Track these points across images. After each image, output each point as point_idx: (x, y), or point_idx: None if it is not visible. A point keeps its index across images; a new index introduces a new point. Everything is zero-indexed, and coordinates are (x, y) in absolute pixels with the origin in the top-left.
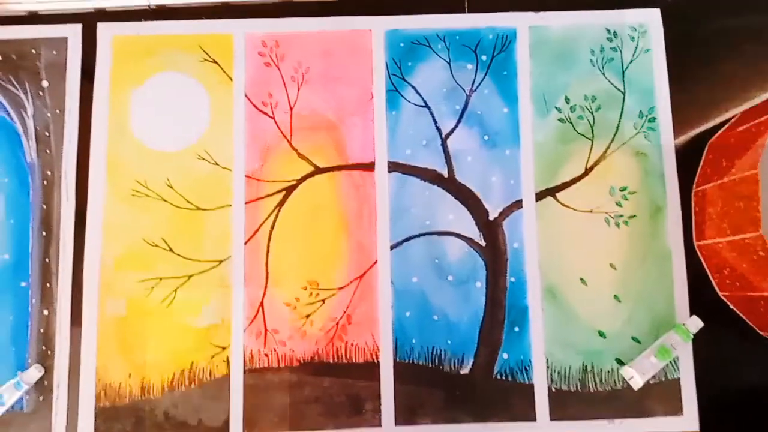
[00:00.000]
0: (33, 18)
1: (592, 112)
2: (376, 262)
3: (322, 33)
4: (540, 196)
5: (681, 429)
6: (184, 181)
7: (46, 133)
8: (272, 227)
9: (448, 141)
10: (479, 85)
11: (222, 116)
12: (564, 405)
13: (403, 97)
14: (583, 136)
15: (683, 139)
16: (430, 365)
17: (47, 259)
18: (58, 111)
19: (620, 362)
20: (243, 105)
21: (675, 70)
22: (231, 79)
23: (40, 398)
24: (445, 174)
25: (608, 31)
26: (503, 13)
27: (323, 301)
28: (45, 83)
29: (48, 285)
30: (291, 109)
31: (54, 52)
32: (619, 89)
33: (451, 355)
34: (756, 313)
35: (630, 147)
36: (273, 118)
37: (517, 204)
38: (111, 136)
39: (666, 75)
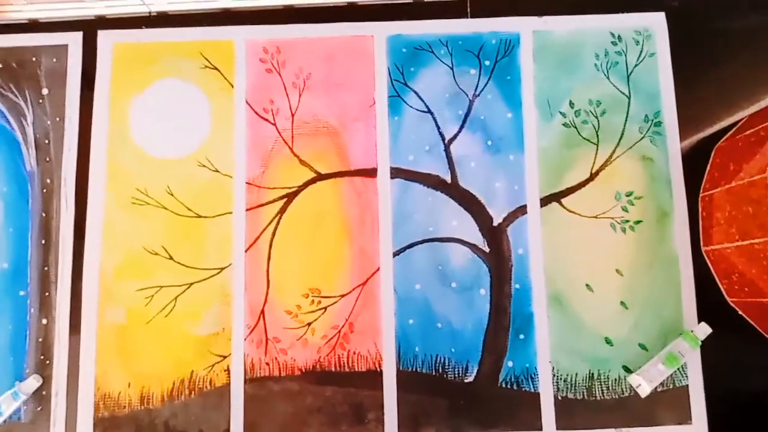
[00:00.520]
0: (33, 26)
1: (597, 117)
2: (378, 269)
3: (323, 39)
4: (545, 201)
5: None
6: (185, 189)
7: (46, 141)
8: (273, 234)
9: (451, 146)
10: (482, 90)
11: (223, 123)
12: (570, 413)
13: (405, 102)
14: (588, 140)
15: (689, 143)
16: (434, 374)
17: (46, 268)
18: (58, 119)
19: (627, 370)
20: (244, 111)
21: (680, 74)
22: (232, 86)
23: (38, 408)
24: (449, 180)
25: (612, 35)
26: (506, 18)
27: (325, 308)
28: (45, 91)
29: (47, 294)
30: (292, 115)
31: (54, 60)
32: (624, 93)
33: (455, 363)
34: (765, 319)
35: (636, 151)
36: (274, 124)
37: (522, 210)
38: (111, 144)
39: (671, 78)
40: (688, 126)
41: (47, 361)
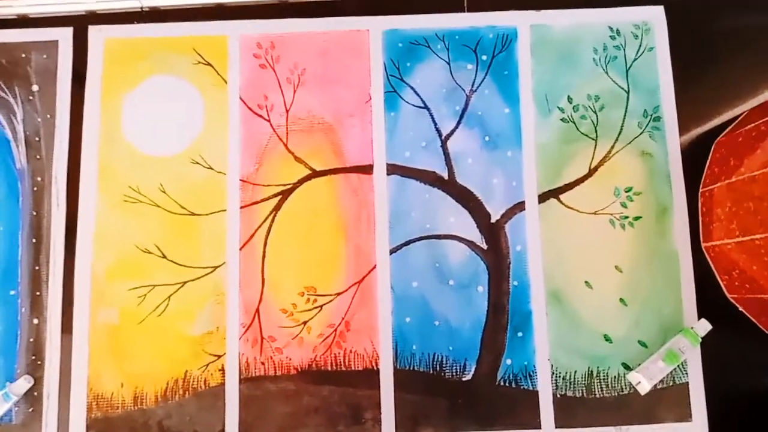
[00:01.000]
0: (23, 21)
1: (595, 112)
2: (375, 267)
3: (318, 34)
4: (543, 197)
5: None
6: (178, 186)
7: (37, 139)
8: (268, 232)
9: (448, 142)
10: (479, 85)
11: (216, 119)
12: (569, 411)
13: (401, 98)
14: (587, 136)
15: (689, 138)
16: (432, 372)
17: (37, 267)
18: (48, 116)
19: (627, 367)
20: (238, 108)
21: (680, 68)
22: (225, 82)
23: (30, 410)
24: (446, 176)
25: (611, 29)
26: (504, 11)
27: (321, 307)
28: (35, 88)
29: (38, 293)
30: (287, 111)
31: (44, 56)
32: (622, 88)
33: (452, 361)
34: (766, 316)
35: (635, 147)
36: (269, 120)
37: (520, 206)
38: (103, 141)
39: (670, 73)
40: (688, 121)
41: (39, 362)
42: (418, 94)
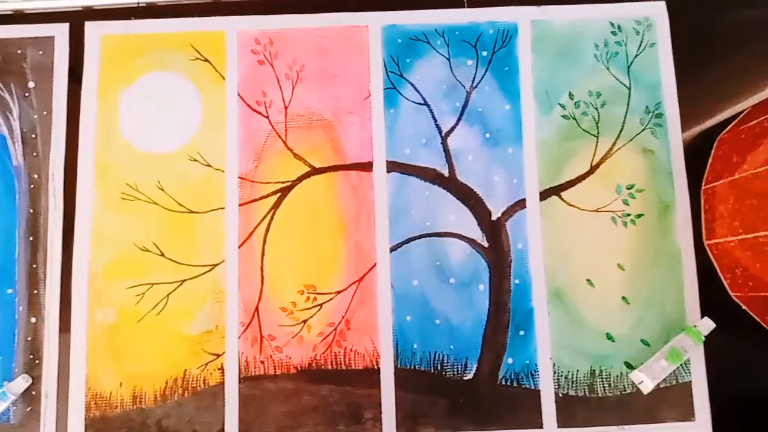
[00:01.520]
0: (19, 17)
1: (597, 108)
2: (375, 265)
3: (317, 29)
4: (544, 195)
5: None
6: (176, 184)
7: (33, 136)
8: (267, 230)
9: (449, 139)
10: (480, 81)
11: (214, 116)
12: (572, 411)
13: (401, 94)
14: (588, 132)
15: (691, 134)
16: (433, 371)
17: (34, 265)
18: (45, 112)
19: (629, 366)
20: (236, 104)
21: (682, 64)
22: (223, 78)
23: (28, 409)
24: (446, 173)
25: (612, 24)
26: (504, 7)
27: (321, 305)
28: (31, 84)
29: (35, 292)
30: (286, 108)
31: (40, 53)
32: (624, 84)
33: (453, 360)
34: None
35: (636, 143)
36: (267, 117)
37: (521, 203)
38: (100, 138)
39: (672, 69)
40: (690, 117)
41: (36, 361)
42: (417, 91)
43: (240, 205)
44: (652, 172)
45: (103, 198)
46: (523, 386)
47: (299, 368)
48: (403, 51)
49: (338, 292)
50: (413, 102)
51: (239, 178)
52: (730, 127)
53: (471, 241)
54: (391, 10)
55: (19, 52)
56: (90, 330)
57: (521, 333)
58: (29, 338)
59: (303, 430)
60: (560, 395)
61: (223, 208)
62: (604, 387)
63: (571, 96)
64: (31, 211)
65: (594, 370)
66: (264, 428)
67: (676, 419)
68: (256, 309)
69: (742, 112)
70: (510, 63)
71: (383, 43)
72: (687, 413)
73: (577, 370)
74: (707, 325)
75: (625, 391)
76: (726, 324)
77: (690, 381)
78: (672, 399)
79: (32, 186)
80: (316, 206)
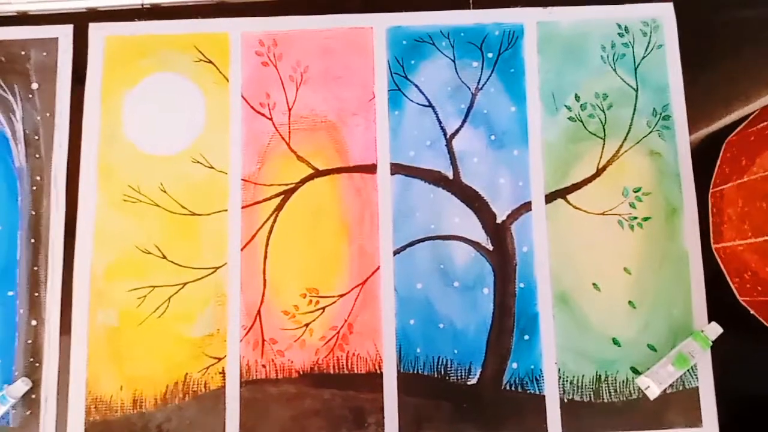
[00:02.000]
0: (22, 18)
1: (603, 111)
2: (378, 268)
3: (321, 31)
4: (550, 198)
5: None
6: (179, 186)
7: (36, 137)
8: (270, 232)
9: (453, 141)
10: (485, 83)
11: (218, 118)
12: (577, 417)
13: (406, 96)
14: (595, 135)
15: (699, 137)
16: (436, 376)
17: (36, 268)
18: (48, 114)
19: (636, 371)
20: (240, 106)
21: (689, 66)
22: (227, 80)
23: (28, 412)
24: (451, 176)
25: (619, 26)
26: (510, 8)
27: (323, 309)
28: (35, 85)
29: (36, 294)
30: (289, 109)
31: (44, 54)
32: (631, 86)
33: (457, 365)
34: None
35: (643, 146)
36: (271, 119)
37: (526, 206)
38: (103, 140)
39: (680, 71)
40: (698, 119)
41: (37, 364)
42: (422, 93)
43: (243, 207)
44: (659, 175)
45: (105, 200)
46: (528, 391)
47: (301, 372)
48: (408, 52)
49: (341, 296)
50: (418, 104)
51: (242, 180)
52: (738, 129)
53: (475, 244)
54: (395, 12)
55: (22, 53)
56: (91, 333)
57: (526, 337)
58: (30, 341)
59: None
60: (565, 400)
61: (225, 210)
62: (609, 392)
63: (577, 98)
64: (33, 212)
65: (600, 375)
66: None
67: (682, 425)
68: (258, 312)
69: (751, 114)
70: (516, 64)
71: (388, 45)
72: (694, 419)
73: (583, 375)
74: (715, 329)
75: (631, 396)
76: (734, 329)
77: (697, 386)
78: (679, 404)
79: (34, 187)
80: (320, 209)
